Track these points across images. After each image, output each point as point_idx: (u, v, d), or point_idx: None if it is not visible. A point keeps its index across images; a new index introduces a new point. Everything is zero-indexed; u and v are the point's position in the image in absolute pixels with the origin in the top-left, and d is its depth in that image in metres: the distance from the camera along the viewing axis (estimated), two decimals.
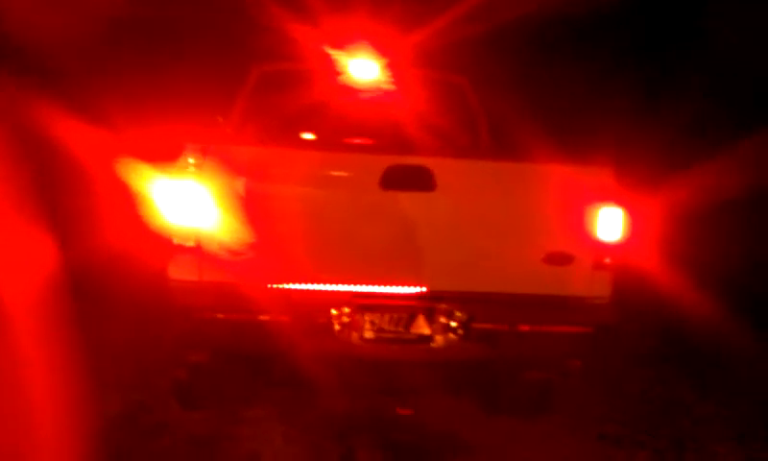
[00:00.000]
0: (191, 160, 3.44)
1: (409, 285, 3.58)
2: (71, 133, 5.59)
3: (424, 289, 3.58)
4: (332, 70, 5.23)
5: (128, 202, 3.64)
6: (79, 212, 5.62)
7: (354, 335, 3.53)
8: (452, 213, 3.60)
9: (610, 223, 3.64)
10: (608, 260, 3.65)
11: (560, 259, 3.61)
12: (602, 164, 3.69)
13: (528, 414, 4.24)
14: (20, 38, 6.20)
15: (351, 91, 5.13)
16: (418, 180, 3.54)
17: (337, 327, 3.52)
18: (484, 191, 3.64)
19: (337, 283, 3.53)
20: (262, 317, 3.46)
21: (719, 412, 4.57)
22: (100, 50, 7.10)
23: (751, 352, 4.88)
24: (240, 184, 3.47)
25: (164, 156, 3.66)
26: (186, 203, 3.45)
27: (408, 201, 3.55)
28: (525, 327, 3.63)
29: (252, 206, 3.46)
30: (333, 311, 3.52)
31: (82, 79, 6.69)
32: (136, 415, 4.07)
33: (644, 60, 7.48)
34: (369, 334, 3.55)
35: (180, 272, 3.46)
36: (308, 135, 4.78)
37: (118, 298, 4.87)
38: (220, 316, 3.48)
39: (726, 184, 5.75)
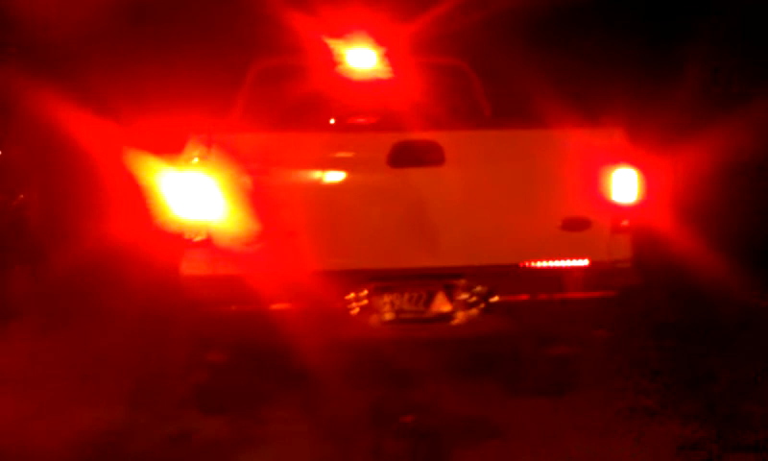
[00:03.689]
0: (196, 152, 3.38)
1: (426, 263, 3.49)
2: (78, 125, 5.54)
3: (442, 266, 3.50)
4: (331, 60, 5.17)
5: (136, 195, 3.58)
6: (87, 206, 5.57)
7: (374, 318, 3.45)
8: (464, 186, 3.52)
9: (625, 185, 3.56)
10: (626, 223, 3.57)
11: (577, 225, 3.53)
12: (613, 125, 3.62)
13: (552, 392, 4.15)
14: (25, 30, 6.17)
15: (350, 81, 5.07)
16: (426, 154, 3.46)
17: (355, 310, 3.44)
18: (495, 161, 3.57)
19: (352, 266, 3.45)
20: (277, 306, 3.38)
21: (748, 376, 4.47)
22: (104, 42, 7.09)
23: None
24: (247, 173, 3.39)
25: (170, 148, 3.60)
26: (193, 195, 3.37)
27: (418, 177, 3.47)
28: (546, 296, 3.54)
29: (260, 195, 3.38)
30: (350, 295, 3.44)
31: (87, 71, 6.67)
32: (152, 424, 3.95)
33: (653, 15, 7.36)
34: (388, 316, 3.47)
35: (191, 267, 3.38)
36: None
37: (126, 297, 4.74)
38: (234, 308, 3.39)
39: (741, 145, 5.62)
